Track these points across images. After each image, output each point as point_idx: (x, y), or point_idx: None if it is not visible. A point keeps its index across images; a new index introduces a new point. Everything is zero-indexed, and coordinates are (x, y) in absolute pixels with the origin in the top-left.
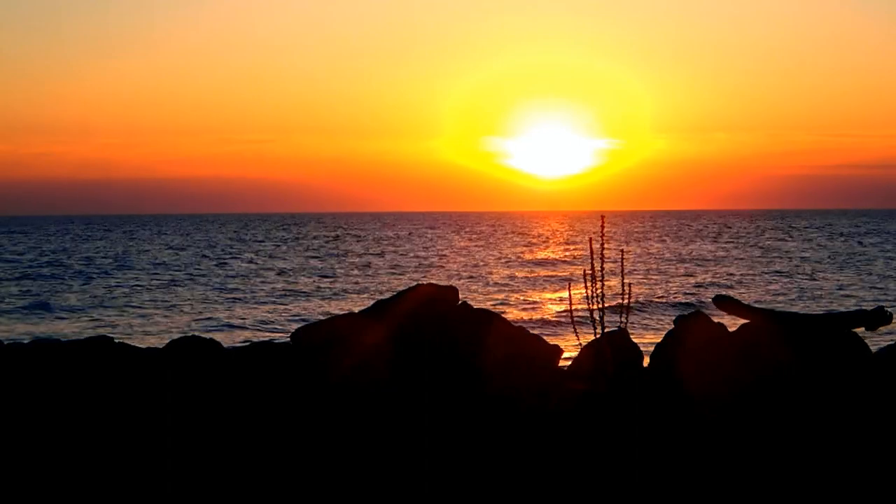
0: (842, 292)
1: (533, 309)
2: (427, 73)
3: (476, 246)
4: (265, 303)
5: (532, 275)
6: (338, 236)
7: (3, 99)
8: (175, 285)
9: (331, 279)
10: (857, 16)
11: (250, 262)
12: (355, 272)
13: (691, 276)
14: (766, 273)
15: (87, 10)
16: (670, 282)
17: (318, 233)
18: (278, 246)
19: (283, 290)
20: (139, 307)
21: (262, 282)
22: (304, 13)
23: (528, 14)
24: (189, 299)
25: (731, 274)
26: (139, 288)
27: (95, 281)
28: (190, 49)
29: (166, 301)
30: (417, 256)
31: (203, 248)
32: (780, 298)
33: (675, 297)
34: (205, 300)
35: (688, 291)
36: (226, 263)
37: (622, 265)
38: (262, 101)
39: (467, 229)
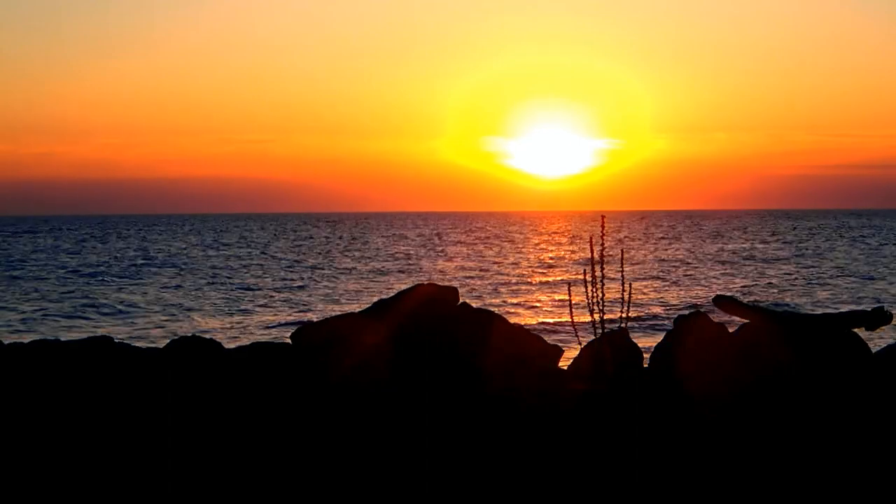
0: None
1: (533, 309)
2: (428, 73)
3: (476, 246)
4: (331, 302)
5: (532, 274)
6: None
7: (3, 99)
8: (222, 284)
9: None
10: (857, 16)
11: (286, 258)
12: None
13: (742, 277)
14: (824, 274)
15: (87, 10)
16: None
17: (342, 232)
18: (300, 244)
19: (344, 289)
20: (197, 307)
21: (328, 279)
22: (304, 13)
23: (528, 14)
24: (253, 300)
25: (791, 274)
26: (184, 287)
27: (143, 279)
28: (190, 49)
29: (224, 300)
30: (416, 256)
31: (236, 247)
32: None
33: (676, 297)
34: (270, 302)
35: (692, 293)
36: (277, 263)
37: (622, 265)
38: (262, 101)
39: (468, 229)
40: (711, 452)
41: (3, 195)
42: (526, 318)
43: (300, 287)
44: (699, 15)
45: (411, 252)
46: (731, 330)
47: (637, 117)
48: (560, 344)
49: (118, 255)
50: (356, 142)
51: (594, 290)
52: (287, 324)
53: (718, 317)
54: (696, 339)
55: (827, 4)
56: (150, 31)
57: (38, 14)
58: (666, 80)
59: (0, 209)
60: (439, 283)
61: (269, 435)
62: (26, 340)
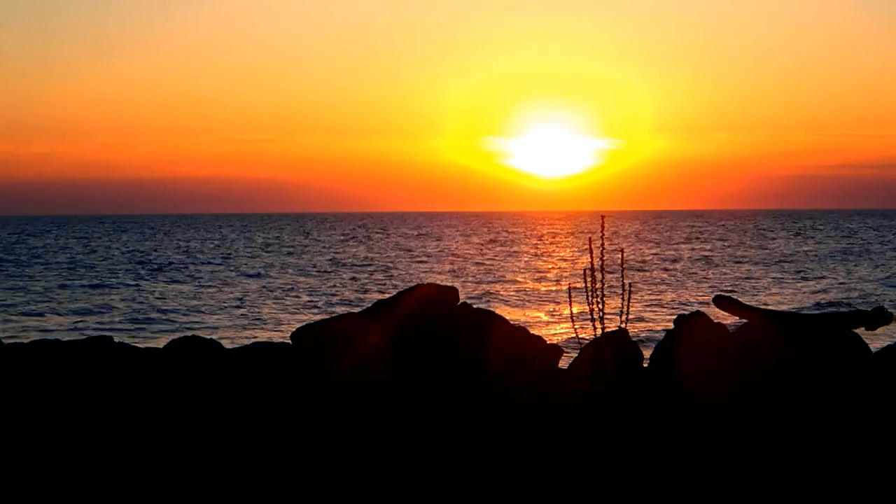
0: None
1: (533, 309)
2: (428, 73)
3: (477, 246)
4: None
5: (532, 274)
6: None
7: (3, 99)
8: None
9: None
10: (857, 16)
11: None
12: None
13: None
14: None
15: (87, 10)
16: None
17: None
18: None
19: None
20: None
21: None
22: (304, 13)
23: (528, 14)
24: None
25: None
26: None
27: (221, 278)
28: (190, 49)
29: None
30: (417, 257)
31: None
32: None
33: (676, 297)
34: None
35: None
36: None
37: (622, 265)
38: (262, 101)
39: (468, 229)
40: (711, 452)
41: (3, 195)
42: (526, 319)
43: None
44: (699, 15)
45: (457, 249)
46: (731, 330)
47: (637, 117)
48: (560, 344)
49: (163, 253)
50: (356, 142)
51: (594, 290)
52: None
53: (718, 317)
54: (696, 339)
55: (827, 4)
56: (149, 32)
57: (38, 14)
58: (666, 80)
59: (0, 209)
60: (440, 284)
61: (270, 435)
62: (26, 341)
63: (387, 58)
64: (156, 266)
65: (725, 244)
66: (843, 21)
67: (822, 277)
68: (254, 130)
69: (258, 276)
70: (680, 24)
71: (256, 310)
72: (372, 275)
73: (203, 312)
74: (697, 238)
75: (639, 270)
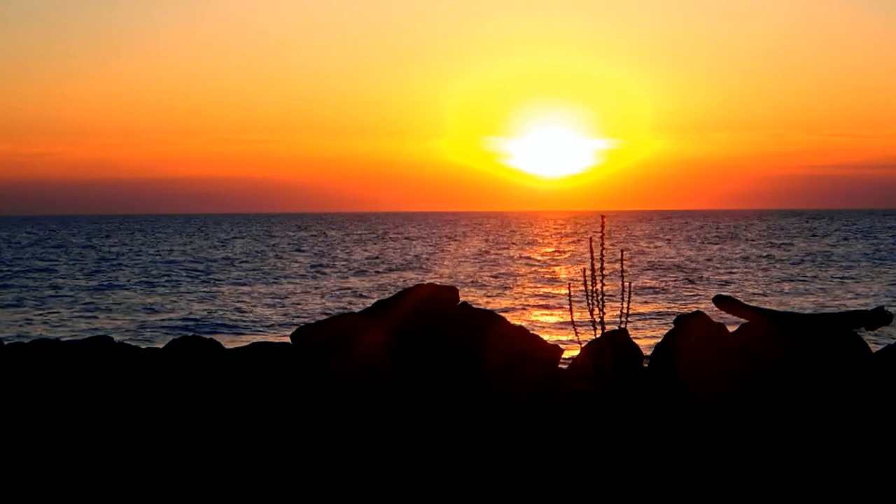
0: None
1: (533, 309)
2: (429, 73)
3: (477, 246)
4: None
5: (532, 274)
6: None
7: (3, 99)
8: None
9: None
10: (857, 16)
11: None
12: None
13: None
14: None
15: (88, 9)
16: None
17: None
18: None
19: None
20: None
21: None
22: (305, 13)
23: (529, 15)
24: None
25: None
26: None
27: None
28: (190, 49)
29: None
30: (416, 256)
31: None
32: None
33: (676, 297)
34: None
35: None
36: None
37: (622, 265)
38: (262, 101)
39: (468, 229)
40: (711, 452)
41: (3, 195)
42: (526, 318)
43: None
44: (698, 15)
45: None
46: (731, 330)
47: (636, 117)
48: (560, 344)
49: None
50: (356, 142)
51: (594, 289)
52: None
53: (719, 317)
54: (696, 338)
55: (827, 4)
56: (150, 32)
57: (38, 14)
58: (665, 80)
59: (0, 209)
60: (439, 284)
61: (270, 434)
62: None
63: (387, 58)
64: (189, 267)
65: (751, 245)
66: (843, 21)
67: (871, 278)
68: (254, 130)
69: (298, 276)
70: (679, 24)
71: (308, 310)
72: (416, 274)
73: (246, 313)
74: (717, 238)
75: (670, 269)
